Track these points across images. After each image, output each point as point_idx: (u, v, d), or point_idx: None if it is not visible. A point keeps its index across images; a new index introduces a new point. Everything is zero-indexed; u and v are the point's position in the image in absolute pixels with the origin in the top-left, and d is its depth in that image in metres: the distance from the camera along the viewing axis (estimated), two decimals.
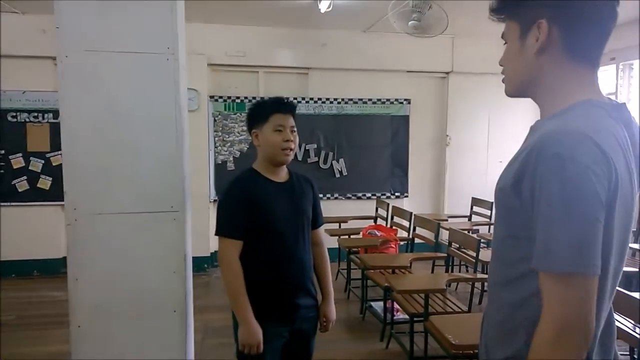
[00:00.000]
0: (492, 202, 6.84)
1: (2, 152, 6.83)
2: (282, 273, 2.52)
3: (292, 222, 2.56)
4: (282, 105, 2.56)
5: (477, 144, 8.24)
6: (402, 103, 7.92)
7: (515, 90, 1.48)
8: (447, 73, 8.09)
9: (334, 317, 2.76)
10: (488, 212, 6.92)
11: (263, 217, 2.48)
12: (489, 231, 6.81)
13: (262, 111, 2.57)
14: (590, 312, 1.16)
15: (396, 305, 4.75)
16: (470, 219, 7.26)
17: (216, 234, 2.48)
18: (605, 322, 1.32)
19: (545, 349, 1.18)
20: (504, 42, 1.47)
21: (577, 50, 1.32)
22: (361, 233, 6.59)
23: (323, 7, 5.92)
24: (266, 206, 2.50)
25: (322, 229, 2.84)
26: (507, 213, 1.33)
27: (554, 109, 1.34)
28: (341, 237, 6.21)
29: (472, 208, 7.32)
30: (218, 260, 2.51)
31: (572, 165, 1.14)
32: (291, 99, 2.68)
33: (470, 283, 4.51)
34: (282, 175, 2.63)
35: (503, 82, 1.50)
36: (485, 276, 4.38)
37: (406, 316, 4.39)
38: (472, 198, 7.38)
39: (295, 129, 2.59)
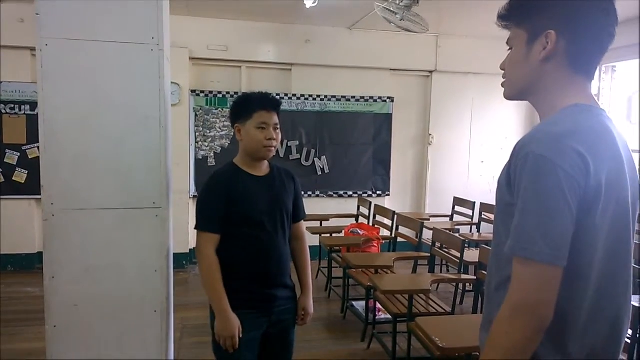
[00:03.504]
0: (473, 202, 6.86)
1: None
2: (260, 265, 2.54)
3: (270, 216, 2.57)
4: (267, 103, 2.57)
5: (459, 144, 8.24)
6: (385, 101, 7.87)
7: (516, 94, 1.56)
8: (431, 72, 8.06)
9: (312, 311, 2.78)
10: (470, 212, 6.92)
11: (242, 211, 2.50)
12: (470, 231, 6.82)
13: (246, 107, 2.57)
14: (547, 298, 1.25)
15: (378, 305, 4.71)
16: (452, 219, 7.25)
17: (195, 228, 2.50)
18: (595, 317, 1.36)
19: (501, 326, 1.31)
20: (509, 47, 1.55)
21: (579, 62, 1.43)
22: (343, 231, 6.54)
23: (308, 2, 5.85)
24: (245, 200, 2.51)
25: (303, 223, 2.85)
26: (505, 208, 1.39)
27: (548, 113, 1.45)
28: (323, 235, 6.15)
29: (454, 208, 7.32)
30: (196, 253, 2.52)
31: (541, 162, 1.25)
32: (276, 95, 2.64)
33: (454, 284, 4.47)
34: (262, 169, 2.65)
35: (502, 86, 1.57)
36: (470, 277, 4.37)
37: (388, 316, 4.35)
38: (454, 198, 7.39)
39: (279, 127, 2.60)
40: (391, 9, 5.15)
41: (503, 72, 1.57)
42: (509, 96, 1.57)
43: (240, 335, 2.42)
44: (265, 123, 2.52)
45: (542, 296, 1.25)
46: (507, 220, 1.37)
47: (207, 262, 2.45)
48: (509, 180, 1.36)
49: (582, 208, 1.26)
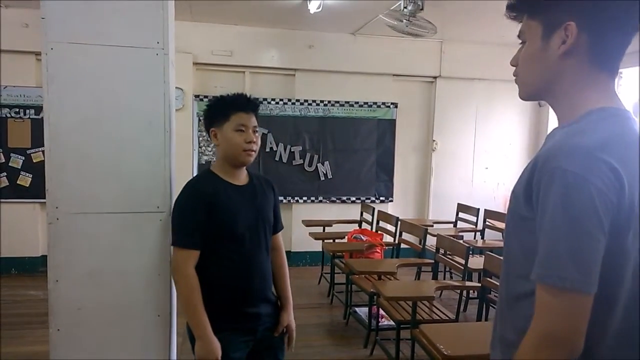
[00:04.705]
0: (477, 209, 6.83)
1: None
2: (242, 281, 2.41)
3: (253, 228, 2.45)
4: (244, 104, 2.44)
5: (463, 150, 8.24)
6: (389, 107, 7.88)
7: (531, 93, 1.42)
8: (435, 78, 8.07)
9: (294, 326, 2.66)
10: (474, 219, 6.90)
11: (223, 224, 2.37)
12: (474, 238, 6.80)
13: (222, 109, 2.44)
14: (578, 328, 1.14)
15: (381, 312, 4.70)
16: (455, 225, 7.23)
17: (173, 244, 2.37)
18: (623, 344, 1.25)
19: (528, 356, 1.18)
20: (521, 41, 1.41)
21: (601, 57, 1.29)
22: (346, 237, 6.53)
23: (313, 7, 5.87)
24: (226, 211, 2.37)
25: (281, 234, 2.73)
26: (520, 221, 1.29)
27: (569, 116, 1.31)
28: (325, 240, 6.14)
29: (457, 214, 7.29)
30: (172, 271, 2.37)
31: (572, 179, 1.12)
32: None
33: (458, 291, 4.46)
34: (242, 177, 2.51)
35: (516, 83, 1.43)
36: (474, 284, 4.36)
37: (391, 323, 4.34)
38: (458, 204, 7.36)
39: (258, 129, 2.47)
40: (396, 19, 5.16)
41: (514, 68, 1.43)
42: (524, 97, 1.44)
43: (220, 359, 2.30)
44: (244, 125, 2.39)
45: (574, 326, 1.14)
46: (520, 234, 1.29)
47: (187, 282, 2.30)
48: (528, 193, 1.23)
49: (613, 228, 1.15)
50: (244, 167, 2.52)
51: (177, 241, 2.36)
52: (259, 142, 2.49)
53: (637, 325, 1.25)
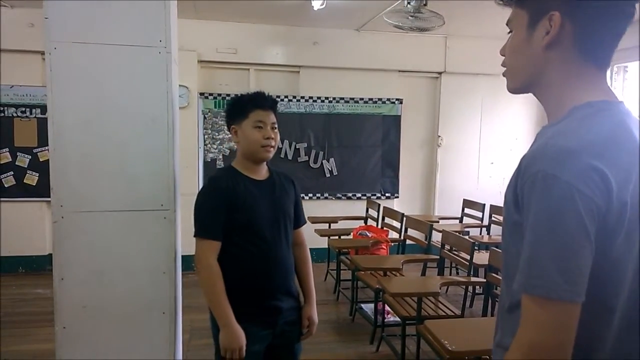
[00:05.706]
0: (483, 204, 6.83)
1: None
2: (263, 274, 2.45)
3: (273, 222, 2.49)
4: (262, 101, 2.49)
5: (469, 146, 8.20)
6: (394, 103, 7.86)
7: (518, 86, 1.36)
8: (440, 73, 8.04)
9: (317, 320, 2.69)
10: (479, 214, 6.89)
11: (244, 217, 2.42)
12: (480, 233, 6.80)
13: (241, 106, 2.49)
14: (566, 338, 1.08)
15: (387, 308, 4.70)
16: (461, 221, 7.22)
17: (195, 236, 2.41)
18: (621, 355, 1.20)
19: None
20: (509, 30, 1.35)
21: (589, 49, 1.21)
22: (352, 234, 6.53)
23: (316, 4, 5.85)
24: (247, 205, 2.42)
25: (303, 229, 2.78)
26: (513, 227, 1.21)
27: (558, 112, 1.24)
28: (331, 237, 6.14)
29: (463, 210, 7.29)
30: (195, 262, 2.41)
31: (554, 183, 1.06)
32: (273, 94, 2.58)
33: (463, 286, 4.46)
34: (262, 173, 2.56)
35: (504, 76, 1.38)
36: (479, 279, 4.34)
37: (397, 319, 4.34)
38: (464, 200, 7.36)
39: (277, 126, 2.52)
40: (400, 16, 5.14)
41: (503, 58, 1.38)
42: (512, 89, 1.38)
43: (244, 349, 2.34)
44: (262, 122, 2.44)
45: (561, 337, 1.07)
46: (516, 239, 1.19)
47: (209, 273, 2.36)
48: (515, 198, 1.17)
49: (603, 233, 1.08)
50: (264, 163, 2.57)
51: (198, 232, 2.41)
52: (278, 139, 2.53)
53: (637, 332, 1.20)
